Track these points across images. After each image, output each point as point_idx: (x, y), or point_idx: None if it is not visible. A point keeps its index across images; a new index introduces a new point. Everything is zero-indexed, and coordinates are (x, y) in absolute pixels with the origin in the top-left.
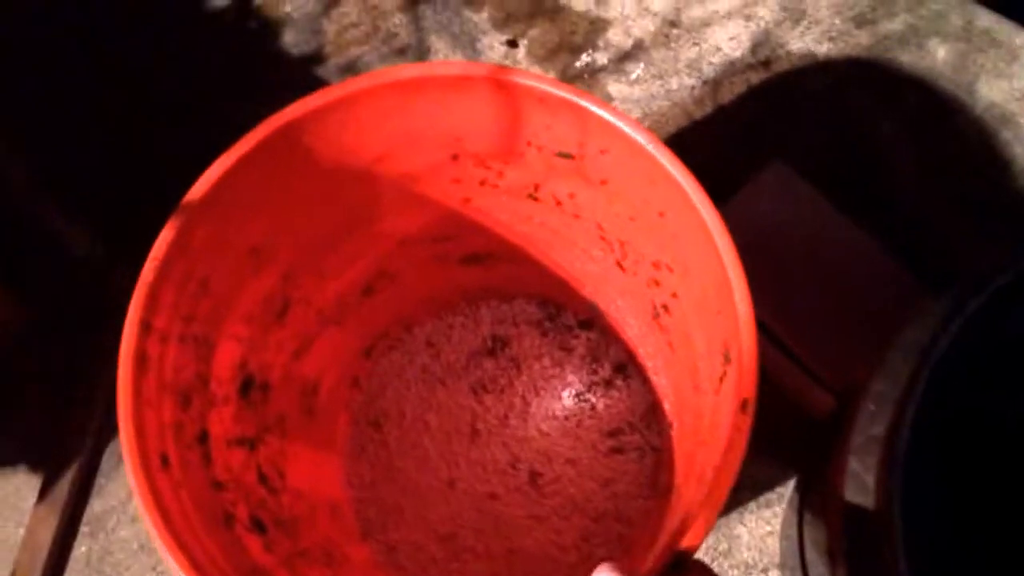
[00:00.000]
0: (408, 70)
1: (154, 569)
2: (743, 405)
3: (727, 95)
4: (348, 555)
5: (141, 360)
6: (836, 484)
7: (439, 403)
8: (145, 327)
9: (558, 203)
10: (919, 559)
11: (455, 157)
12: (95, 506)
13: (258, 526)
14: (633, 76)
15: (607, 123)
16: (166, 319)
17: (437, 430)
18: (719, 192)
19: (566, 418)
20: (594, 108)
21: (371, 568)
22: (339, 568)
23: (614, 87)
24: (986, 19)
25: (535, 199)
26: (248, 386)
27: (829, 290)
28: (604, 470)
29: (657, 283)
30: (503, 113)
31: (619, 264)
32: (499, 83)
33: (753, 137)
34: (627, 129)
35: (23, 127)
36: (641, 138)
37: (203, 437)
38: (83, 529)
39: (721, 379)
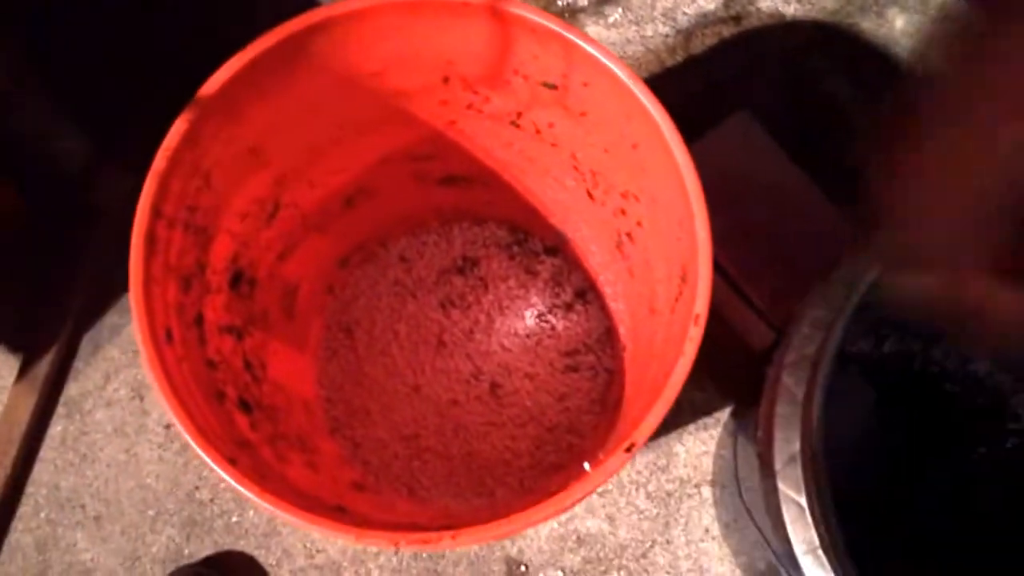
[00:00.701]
0: None
1: (127, 451)
2: (696, 319)
3: (698, 46)
4: (319, 447)
5: (151, 242)
6: (770, 399)
7: (409, 314)
8: (156, 212)
9: (538, 131)
10: (841, 471)
11: (446, 80)
12: (71, 389)
13: (244, 406)
14: (611, 19)
15: (592, 57)
16: (173, 206)
17: (405, 339)
18: (684, 137)
19: (527, 336)
20: (581, 42)
21: (339, 461)
22: (312, 455)
23: (592, 28)
24: None
25: (517, 126)
26: (238, 279)
27: (778, 234)
28: (559, 386)
29: (624, 212)
30: (495, 40)
31: (589, 193)
32: (493, 10)
33: (720, 88)
34: (610, 64)
35: (15, 20)
36: (623, 74)
37: (199, 320)
38: (59, 410)
39: (677, 299)
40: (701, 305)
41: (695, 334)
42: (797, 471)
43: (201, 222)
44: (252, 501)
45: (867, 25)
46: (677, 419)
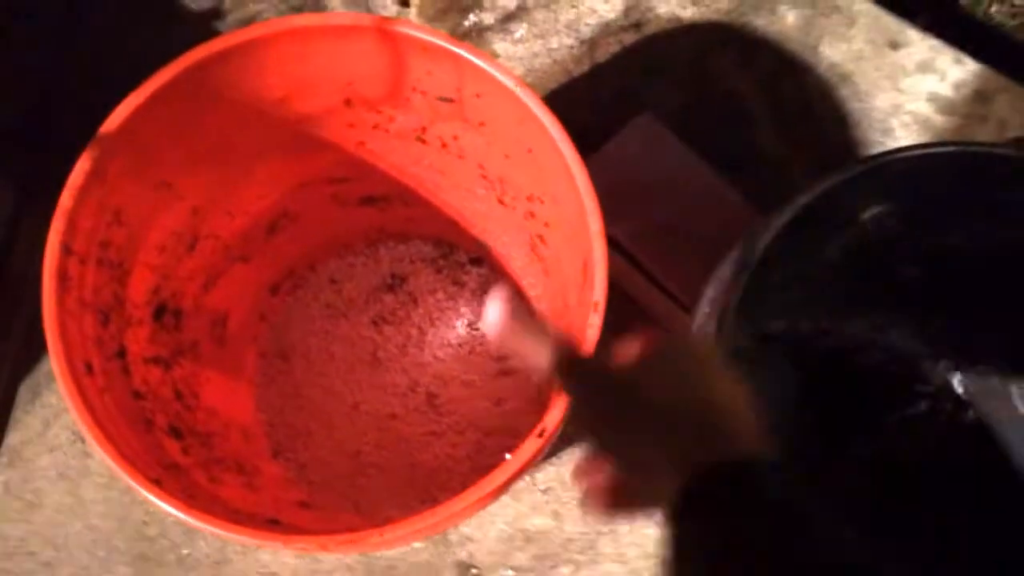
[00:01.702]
0: (303, 19)
1: (72, 494)
2: (595, 306)
3: (603, 54)
4: (261, 469)
5: (62, 278)
6: None
7: (342, 335)
8: (66, 249)
9: (444, 145)
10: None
11: (348, 102)
12: (12, 438)
13: (175, 433)
14: (517, 35)
15: (479, 69)
16: (83, 243)
17: (341, 360)
18: (595, 142)
19: (459, 345)
20: (468, 55)
21: (283, 483)
22: (252, 477)
23: (500, 45)
24: None
25: (423, 141)
26: (162, 311)
27: (689, 225)
28: (496, 390)
29: (532, 215)
30: (389, 60)
31: (500, 200)
32: (385, 32)
33: (626, 93)
34: (496, 74)
35: None
36: (509, 82)
37: (122, 352)
38: (1, 460)
39: (581, 290)
40: (599, 292)
41: (595, 321)
42: None
43: (115, 257)
44: (179, 519)
45: (760, 22)
46: None
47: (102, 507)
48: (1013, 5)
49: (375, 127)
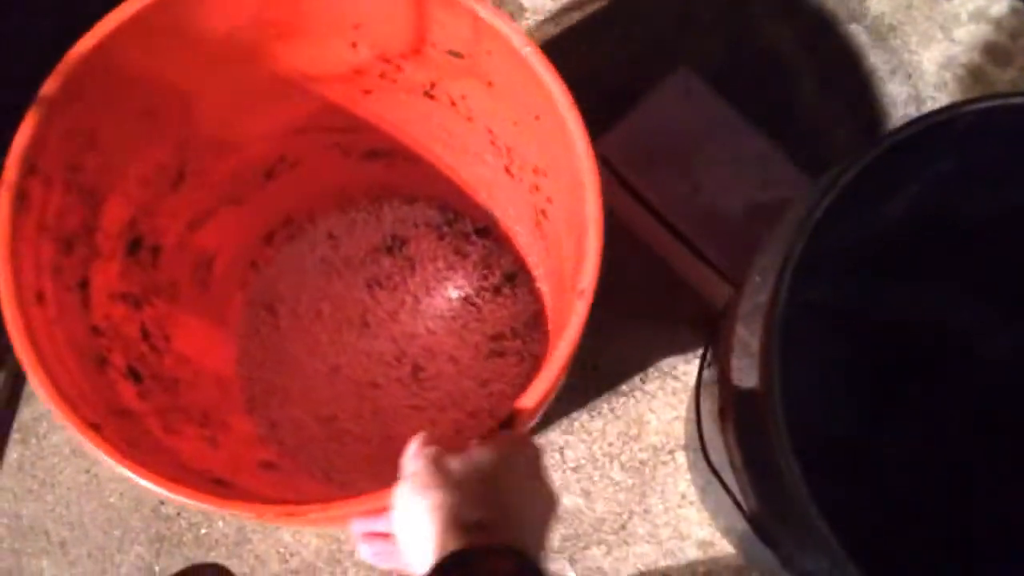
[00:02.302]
0: None
1: (87, 471)
2: (581, 293)
3: (636, 5)
4: (229, 423)
5: (20, 197)
6: (726, 351)
7: (334, 293)
8: (28, 166)
9: (452, 103)
10: (797, 421)
11: (354, 45)
12: (24, 413)
13: (134, 375)
14: None
15: (490, 25)
16: (50, 162)
17: (329, 319)
18: (630, 96)
19: (453, 319)
20: (480, 9)
21: (253, 440)
22: (216, 430)
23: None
24: None
25: (432, 97)
26: (137, 245)
27: (732, 190)
28: (483, 371)
29: (537, 188)
30: (402, 6)
31: (507, 170)
32: None
33: (662, 46)
34: (507, 32)
35: None
36: (518, 42)
37: (83, 283)
38: (14, 436)
39: (573, 274)
40: (587, 280)
41: (580, 308)
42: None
43: (88, 183)
44: (111, 467)
45: None
46: (645, 386)
47: (117, 485)
48: None
49: (382, 76)
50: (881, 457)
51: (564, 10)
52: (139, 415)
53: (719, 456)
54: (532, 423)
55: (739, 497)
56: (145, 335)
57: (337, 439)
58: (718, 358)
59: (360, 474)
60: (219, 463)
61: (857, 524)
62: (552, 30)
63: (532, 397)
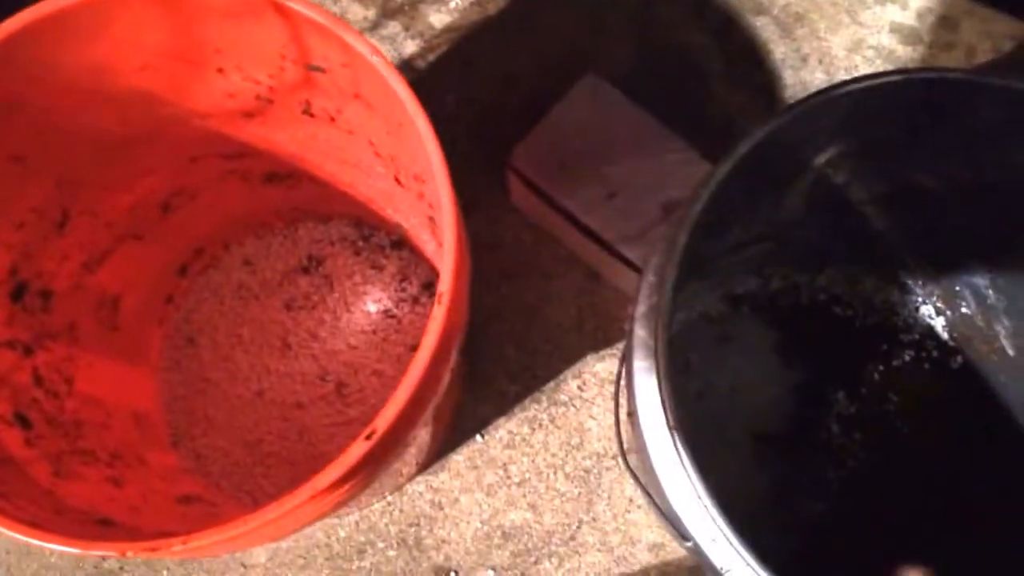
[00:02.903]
0: None
1: None
2: (439, 297)
3: (544, 14)
4: (146, 459)
5: None
6: (628, 353)
7: (252, 318)
8: None
9: (332, 119)
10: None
11: (221, 70)
12: None
13: (21, 421)
14: (452, 5)
15: (333, 34)
16: None
17: (249, 343)
18: (543, 104)
19: (374, 332)
20: (320, 19)
21: (177, 473)
22: (125, 469)
23: (435, 17)
24: None
25: (311, 115)
26: (21, 292)
27: (648, 191)
28: None
29: (422, 196)
30: (253, 26)
31: (397, 179)
32: None
33: (573, 52)
34: (352, 41)
35: None
36: (364, 50)
37: None
38: None
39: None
40: (444, 283)
41: (438, 313)
42: (663, 424)
43: None
44: None
45: None
46: (583, 393)
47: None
48: None
49: (256, 97)
50: (824, 444)
51: (472, 23)
52: (22, 462)
53: (634, 459)
54: (411, 437)
55: (657, 499)
56: (38, 381)
57: (262, 463)
58: (625, 360)
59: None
60: (120, 503)
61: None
62: (465, 46)
63: (391, 410)
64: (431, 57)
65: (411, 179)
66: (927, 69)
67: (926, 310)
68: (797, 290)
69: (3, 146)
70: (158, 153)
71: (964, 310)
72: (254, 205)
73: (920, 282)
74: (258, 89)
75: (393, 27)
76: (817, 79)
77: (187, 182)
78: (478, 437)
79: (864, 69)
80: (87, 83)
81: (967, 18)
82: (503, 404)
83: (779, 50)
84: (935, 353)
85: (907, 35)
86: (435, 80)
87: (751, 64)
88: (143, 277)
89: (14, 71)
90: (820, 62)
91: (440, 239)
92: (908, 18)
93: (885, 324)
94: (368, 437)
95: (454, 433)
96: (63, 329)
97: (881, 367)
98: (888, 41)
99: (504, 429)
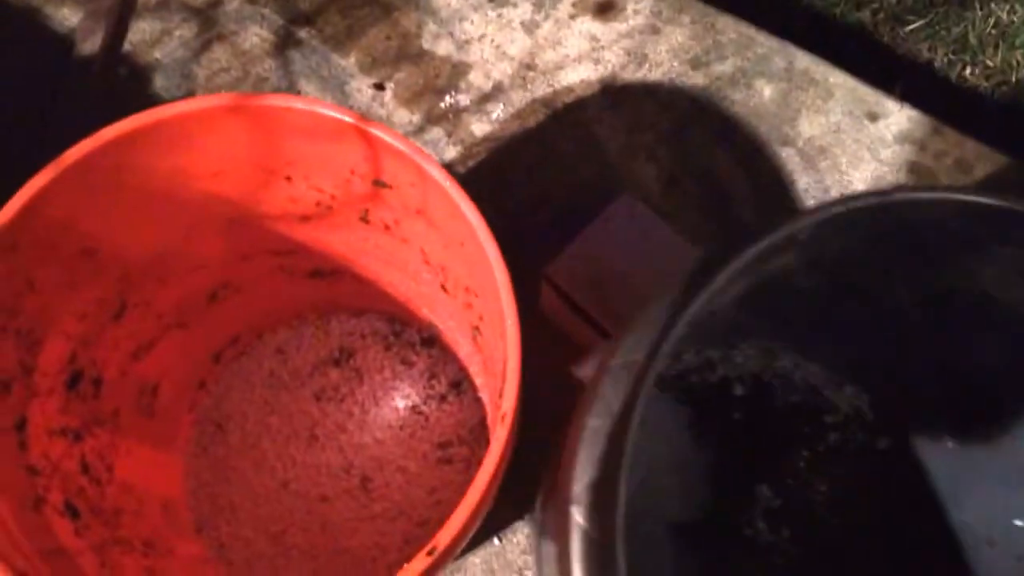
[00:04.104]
0: (232, 98)
1: None
2: (503, 418)
3: (581, 132)
4: (174, 548)
5: None
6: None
7: (282, 407)
8: None
9: (387, 228)
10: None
11: (288, 179)
12: None
13: (71, 511)
14: (494, 116)
15: (407, 159)
16: None
17: (277, 433)
18: (573, 220)
19: (401, 428)
20: (399, 146)
21: (199, 562)
22: (158, 559)
23: (477, 126)
24: (805, 60)
25: (367, 222)
26: (77, 379)
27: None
28: (432, 479)
29: (470, 306)
30: (331, 144)
31: (443, 287)
32: (319, 117)
33: (607, 170)
34: (426, 167)
35: None
36: (436, 175)
37: (21, 424)
38: None
39: (500, 395)
40: (508, 404)
41: (501, 434)
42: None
43: (25, 325)
44: None
45: (738, 96)
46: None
47: None
48: (986, 67)
49: (317, 204)
50: (747, 530)
51: (512, 135)
52: (73, 553)
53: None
54: (458, 550)
55: None
56: (85, 468)
57: (285, 555)
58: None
59: None
60: None
61: None
62: (502, 157)
63: (453, 525)
64: (470, 163)
65: (460, 290)
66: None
67: (851, 389)
68: (710, 367)
69: (80, 240)
70: (210, 250)
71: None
72: (293, 297)
73: (843, 363)
74: (321, 197)
75: (436, 132)
76: None
77: (234, 277)
78: (496, 540)
79: None
80: (163, 186)
81: (983, 161)
82: (524, 507)
83: (803, 180)
84: (861, 435)
85: (923, 174)
86: (471, 187)
87: (775, 193)
88: (181, 365)
89: (106, 174)
90: (841, 195)
91: (480, 347)
92: (925, 159)
93: (806, 404)
94: (430, 553)
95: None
96: (109, 416)
97: (805, 452)
98: (906, 179)
99: (522, 533)
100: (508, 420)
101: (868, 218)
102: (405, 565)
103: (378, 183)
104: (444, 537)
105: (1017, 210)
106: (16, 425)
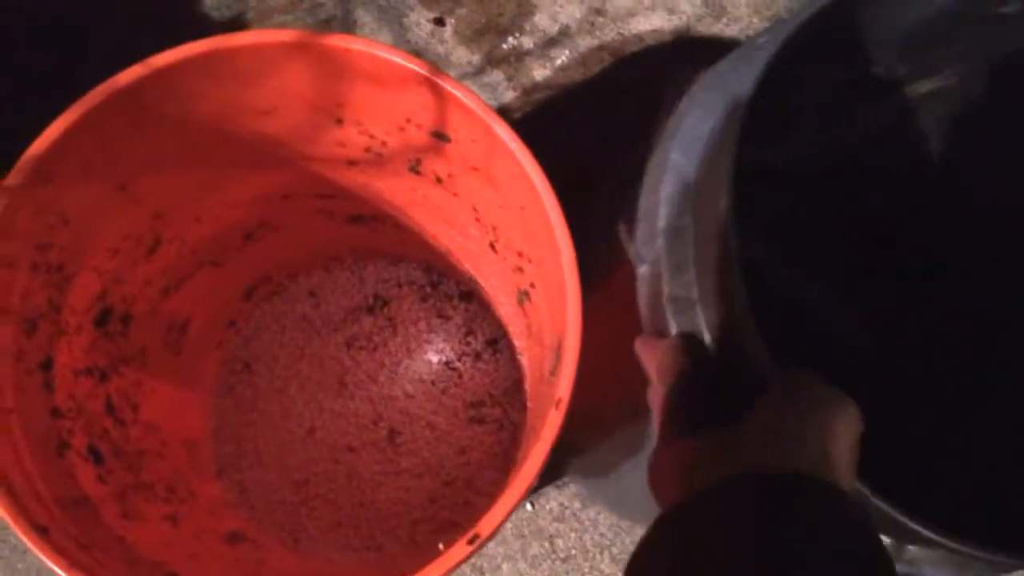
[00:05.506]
0: (295, 35)
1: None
2: (559, 403)
3: (650, 85)
4: (196, 492)
5: None
6: None
7: (312, 352)
8: None
9: (438, 180)
10: None
11: (339, 121)
12: None
13: (95, 455)
14: (558, 62)
15: (475, 116)
16: (17, 246)
17: (306, 379)
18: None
19: (433, 383)
20: (466, 100)
21: (221, 505)
22: (180, 505)
23: (539, 72)
24: None
25: (417, 173)
26: (105, 317)
27: None
28: (462, 438)
29: (521, 270)
30: (392, 91)
31: (492, 246)
32: (381, 61)
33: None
34: (493, 125)
35: None
36: (504, 136)
37: (47, 364)
38: None
39: (552, 372)
40: (564, 389)
41: (555, 419)
42: None
43: (56, 260)
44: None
45: None
46: None
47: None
48: None
49: (367, 149)
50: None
51: (575, 83)
52: (96, 502)
53: None
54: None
55: None
56: (110, 409)
57: (307, 504)
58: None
59: (329, 541)
60: (179, 546)
61: None
62: (564, 108)
63: (498, 513)
64: (528, 110)
65: (512, 252)
66: None
67: None
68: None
69: (116, 175)
70: (251, 190)
71: None
72: (331, 240)
73: None
74: (371, 143)
75: (496, 75)
76: None
77: (273, 216)
78: (528, 505)
79: None
80: (209, 120)
81: None
82: (557, 476)
83: None
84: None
85: None
86: (529, 134)
87: None
88: (212, 302)
89: (150, 105)
90: None
91: (527, 312)
92: None
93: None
94: (471, 542)
95: None
96: (136, 353)
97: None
98: None
99: (555, 501)
100: (563, 406)
101: None
102: (442, 548)
103: (438, 135)
104: (486, 526)
105: None
106: (42, 365)
